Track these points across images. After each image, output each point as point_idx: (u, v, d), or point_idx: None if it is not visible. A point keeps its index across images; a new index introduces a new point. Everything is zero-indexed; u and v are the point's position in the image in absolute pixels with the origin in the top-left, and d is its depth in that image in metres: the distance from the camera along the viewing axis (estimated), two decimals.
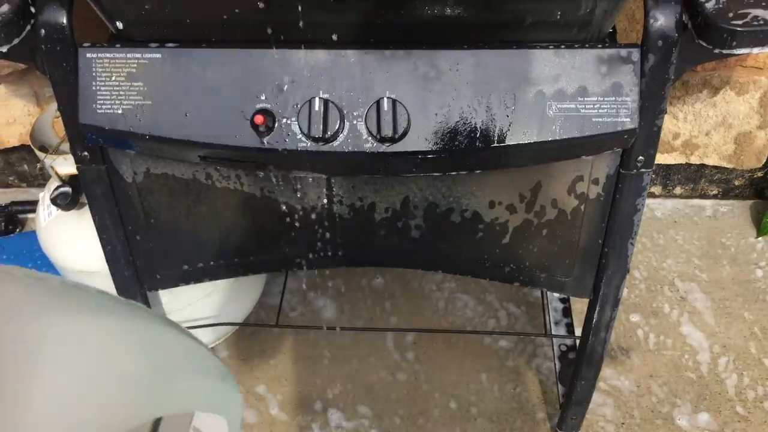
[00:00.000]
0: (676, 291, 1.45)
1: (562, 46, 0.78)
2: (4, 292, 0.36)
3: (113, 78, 0.81)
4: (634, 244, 0.95)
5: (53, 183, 1.14)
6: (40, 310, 0.36)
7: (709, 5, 0.75)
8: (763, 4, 0.74)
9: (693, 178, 1.57)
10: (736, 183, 1.57)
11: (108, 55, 0.80)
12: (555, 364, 1.33)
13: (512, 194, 0.93)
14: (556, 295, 1.42)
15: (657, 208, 1.61)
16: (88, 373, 0.35)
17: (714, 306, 1.42)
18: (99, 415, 0.34)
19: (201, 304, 1.26)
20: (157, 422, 0.39)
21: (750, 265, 1.49)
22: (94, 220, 0.96)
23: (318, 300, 1.46)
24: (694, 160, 1.51)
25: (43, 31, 0.79)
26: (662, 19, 0.76)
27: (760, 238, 1.53)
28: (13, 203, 1.62)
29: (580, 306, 1.38)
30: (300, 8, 0.73)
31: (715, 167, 1.54)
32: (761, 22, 0.73)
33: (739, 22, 0.73)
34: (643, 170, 0.87)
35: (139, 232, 0.97)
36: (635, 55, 0.78)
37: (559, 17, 0.77)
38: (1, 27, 0.75)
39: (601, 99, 0.79)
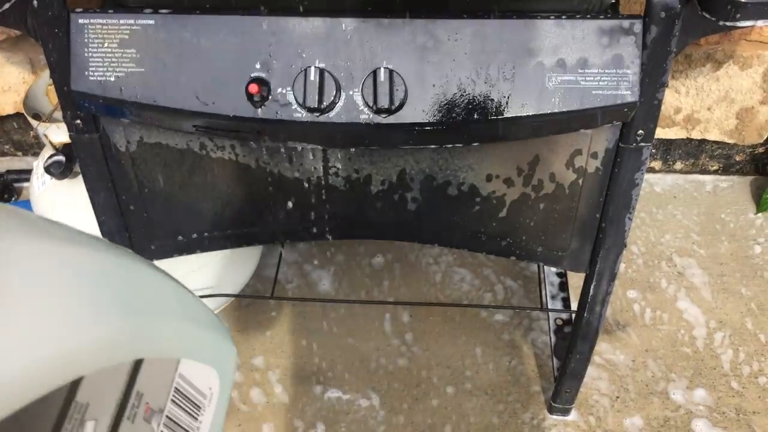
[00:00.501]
0: (674, 266, 1.44)
1: (563, 17, 0.77)
2: None
3: (106, 44, 0.79)
4: (632, 219, 0.94)
5: (47, 151, 1.13)
6: (15, 233, 0.35)
7: None
8: None
9: (694, 153, 1.56)
10: (737, 159, 1.56)
11: (100, 20, 0.79)
12: (550, 338, 1.33)
13: (510, 168, 0.92)
14: (553, 269, 1.41)
15: (657, 183, 1.60)
16: (59, 294, 0.34)
17: (711, 281, 1.41)
18: (69, 343, 0.33)
19: (196, 275, 1.26)
20: (138, 364, 0.38)
21: (749, 241, 1.48)
22: (88, 190, 0.95)
23: (314, 273, 1.45)
24: (695, 135, 1.49)
25: None
26: None
27: (759, 214, 1.52)
28: (9, 172, 1.61)
29: (576, 280, 1.37)
30: None
31: (716, 142, 1.52)
32: None
33: None
34: (642, 144, 0.86)
35: (133, 201, 0.96)
36: (637, 26, 0.76)
37: None
38: None
39: (602, 71, 0.77)
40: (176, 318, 0.43)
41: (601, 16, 0.77)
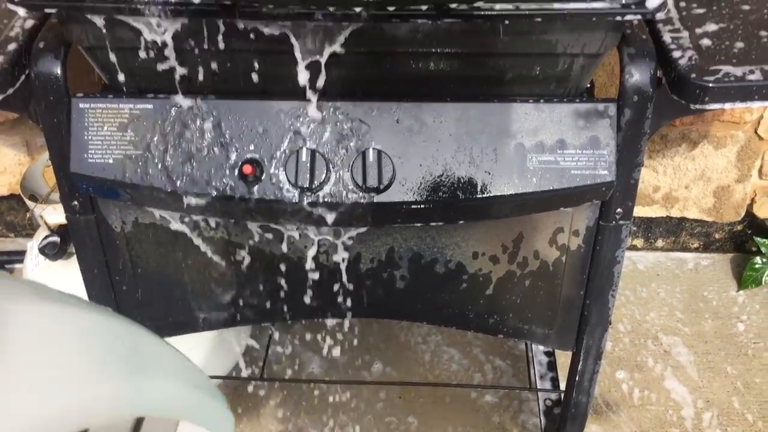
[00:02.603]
0: (660, 345, 1.46)
1: (542, 100, 0.81)
2: None
3: (105, 128, 0.82)
4: (615, 296, 0.96)
5: (41, 232, 1.15)
6: (24, 297, 0.37)
7: (683, 62, 0.78)
8: (734, 61, 0.78)
9: (674, 231, 1.60)
10: (717, 236, 1.60)
11: (101, 105, 0.82)
12: (540, 420, 1.33)
13: (495, 245, 0.94)
14: (542, 348, 1.42)
15: (639, 261, 1.63)
16: (66, 352, 0.36)
17: (697, 360, 1.42)
18: (74, 398, 0.34)
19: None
20: (139, 423, 0.39)
21: (732, 318, 1.50)
22: (81, 270, 0.96)
23: (304, 353, 1.45)
24: (675, 213, 1.53)
25: (37, 81, 0.81)
26: (637, 75, 0.79)
27: (741, 292, 1.54)
28: (0, 253, 1.62)
29: (565, 359, 1.38)
30: (289, 63, 0.76)
31: (696, 220, 1.56)
32: (732, 78, 0.76)
33: (711, 78, 0.76)
34: (621, 222, 0.89)
35: (125, 282, 0.98)
36: (612, 109, 0.81)
37: (538, 73, 0.80)
38: None
39: (580, 152, 0.81)
40: (176, 380, 0.44)
41: (577, 100, 0.81)
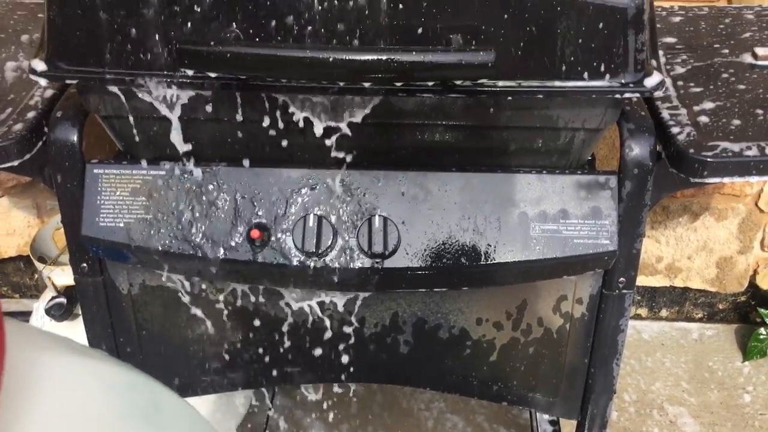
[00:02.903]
0: (666, 415, 1.44)
1: (544, 171, 0.83)
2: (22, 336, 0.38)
3: (118, 193, 0.84)
4: (619, 365, 0.96)
5: (48, 293, 1.16)
6: (46, 350, 0.38)
7: (681, 137, 0.80)
8: (731, 137, 0.80)
9: (678, 301, 1.60)
10: (720, 307, 1.60)
11: (114, 171, 0.84)
12: None
13: (499, 312, 0.95)
14: (546, 416, 1.40)
15: (644, 330, 1.62)
16: (84, 407, 0.37)
17: (703, 431, 1.41)
18: None
19: None
20: None
21: (738, 389, 1.49)
22: (87, 331, 0.97)
23: (305, 418, 1.44)
24: (678, 283, 1.54)
25: (54, 148, 0.83)
26: (637, 149, 0.81)
27: (746, 363, 1.53)
28: (6, 313, 1.62)
29: (569, 428, 1.37)
30: (299, 134, 0.78)
31: (699, 290, 1.57)
32: (730, 154, 0.78)
33: (710, 154, 0.78)
34: (624, 291, 0.89)
35: (130, 344, 0.98)
36: (612, 181, 0.82)
37: (540, 145, 0.82)
38: (15, 143, 0.80)
39: (582, 221, 0.83)
40: None
41: (579, 172, 0.83)
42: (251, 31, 0.70)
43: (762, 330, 1.52)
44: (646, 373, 1.53)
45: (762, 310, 1.52)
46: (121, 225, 0.84)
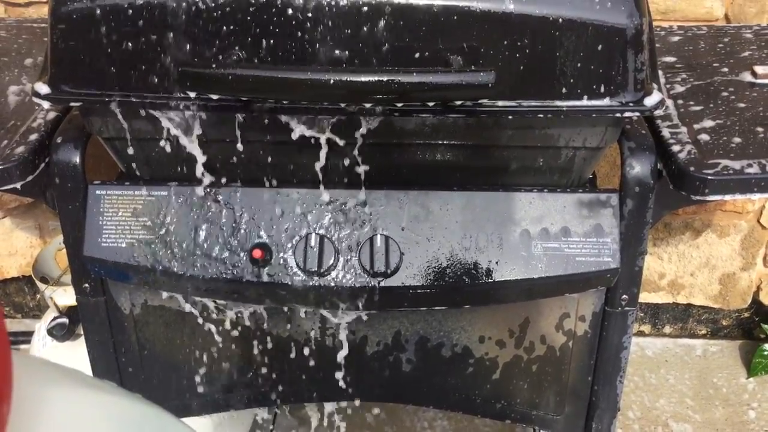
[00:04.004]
0: None
1: (546, 190, 0.83)
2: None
3: (120, 213, 0.85)
4: (623, 382, 0.96)
5: (50, 314, 1.16)
6: (51, 383, 0.38)
7: (682, 155, 0.80)
8: (732, 155, 0.80)
9: (681, 318, 1.59)
10: (724, 323, 1.59)
11: (116, 192, 0.85)
12: None
13: (502, 330, 0.95)
14: None
15: (647, 347, 1.62)
16: None
17: None
18: None
19: None
20: None
21: (743, 406, 1.48)
22: (89, 350, 0.97)
23: None
24: (681, 299, 1.53)
25: (56, 169, 0.84)
26: (638, 168, 0.81)
27: (751, 379, 1.53)
28: (7, 334, 1.62)
29: None
30: (301, 154, 0.78)
31: (703, 307, 1.56)
32: (731, 171, 0.78)
33: (711, 172, 0.78)
34: (627, 308, 0.89)
35: (132, 363, 0.98)
36: (614, 199, 0.83)
37: (541, 164, 0.82)
38: (17, 165, 0.80)
39: (584, 239, 0.83)
40: None
41: (580, 190, 0.83)
42: (253, 53, 0.70)
43: (766, 346, 1.51)
44: (650, 390, 1.52)
45: (766, 326, 1.52)
46: (123, 245, 0.84)
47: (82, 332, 0.96)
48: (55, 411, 0.37)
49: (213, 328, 0.95)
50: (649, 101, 0.73)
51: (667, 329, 1.62)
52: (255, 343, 0.96)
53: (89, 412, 0.39)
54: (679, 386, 1.53)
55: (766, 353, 1.51)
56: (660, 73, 0.94)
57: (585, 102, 0.72)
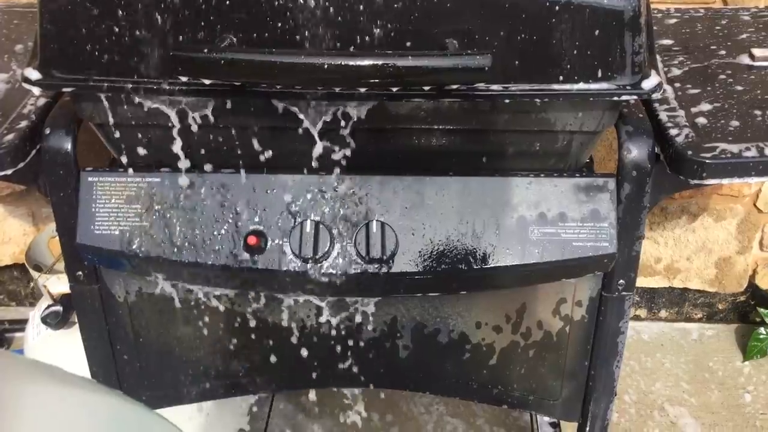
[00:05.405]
0: (666, 416, 1.44)
1: (542, 175, 0.82)
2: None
3: (113, 200, 0.84)
4: (620, 367, 0.96)
5: (44, 302, 1.15)
6: (27, 380, 0.37)
7: (680, 139, 0.80)
8: (730, 138, 0.79)
9: (677, 302, 1.59)
10: (720, 307, 1.59)
11: (109, 178, 0.84)
12: None
13: (498, 315, 0.94)
14: (546, 418, 1.40)
15: (643, 331, 1.62)
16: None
17: (704, 431, 1.40)
18: None
19: (183, 428, 1.24)
20: None
21: (738, 389, 1.48)
22: (83, 339, 0.96)
23: (305, 422, 1.43)
24: (677, 283, 1.53)
25: (47, 156, 0.82)
26: (635, 151, 0.80)
27: (746, 362, 1.53)
28: (1, 321, 1.61)
29: (570, 431, 1.36)
30: (295, 140, 0.78)
31: (699, 291, 1.56)
32: (729, 155, 0.78)
33: (708, 155, 0.77)
34: (624, 293, 0.89)
35: (127, 351, 0.97)
36: (611, 184, 0.82)
37: (538, 148, 0.81)
38: (7, 152, 0.79)
39: (581, 224, 0.82)
40: None
41: (577, 174, 0.83)
42: (245, 37, 0.69)
43: (762, 329, 1.52)
44: (646, 374, 1.52)
45: (762, 310, 1.52)
46: (117, 232, 0.84)
47: (76, 320, 0.96)
48: (31, 408, 0.37)
49: (208, 315, 0.95)
50: (647, 84, 0.72)
51: (663, 313, 1.62)
52: (250, 330, 0.96)
53: (66, 409, 0.38)
54: (675, 370, 1.53)
55: (761, 337, 1.51)
56: (657, 56, 0.93)
57: (582, 85, 0.71)
